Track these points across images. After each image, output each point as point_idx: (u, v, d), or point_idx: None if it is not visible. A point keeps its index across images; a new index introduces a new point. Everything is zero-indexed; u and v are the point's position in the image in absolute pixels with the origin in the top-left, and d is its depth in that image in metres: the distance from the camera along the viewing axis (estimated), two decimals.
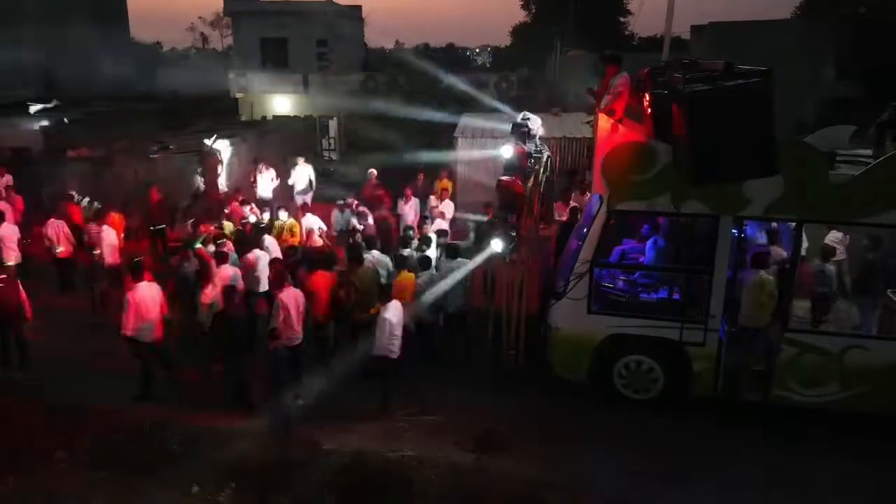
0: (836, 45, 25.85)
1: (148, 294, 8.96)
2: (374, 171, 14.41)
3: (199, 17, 71.13)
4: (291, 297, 8.75)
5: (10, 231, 12.21)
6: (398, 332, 8.53)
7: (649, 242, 9.50)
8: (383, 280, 9.71)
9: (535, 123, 10.05)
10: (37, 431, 8.25)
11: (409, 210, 13.22)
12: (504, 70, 30.32)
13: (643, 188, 8.48)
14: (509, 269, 9.03)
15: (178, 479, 7.42)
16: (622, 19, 51.13)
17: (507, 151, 9.58)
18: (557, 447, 8.17)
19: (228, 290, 9.00)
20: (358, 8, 31.97)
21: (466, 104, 20.75)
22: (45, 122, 23.43)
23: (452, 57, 62.01)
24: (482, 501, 7.15)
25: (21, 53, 33.69)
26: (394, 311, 8.53)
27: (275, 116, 27.97)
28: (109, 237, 11.85)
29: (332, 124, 28.21)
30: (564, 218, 11.34)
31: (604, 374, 9.15)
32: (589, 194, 10.37)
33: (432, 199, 12.94)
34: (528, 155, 9.68)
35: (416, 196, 13.37)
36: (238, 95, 28.55)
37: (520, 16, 62.72)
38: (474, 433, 8.28)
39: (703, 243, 8.65)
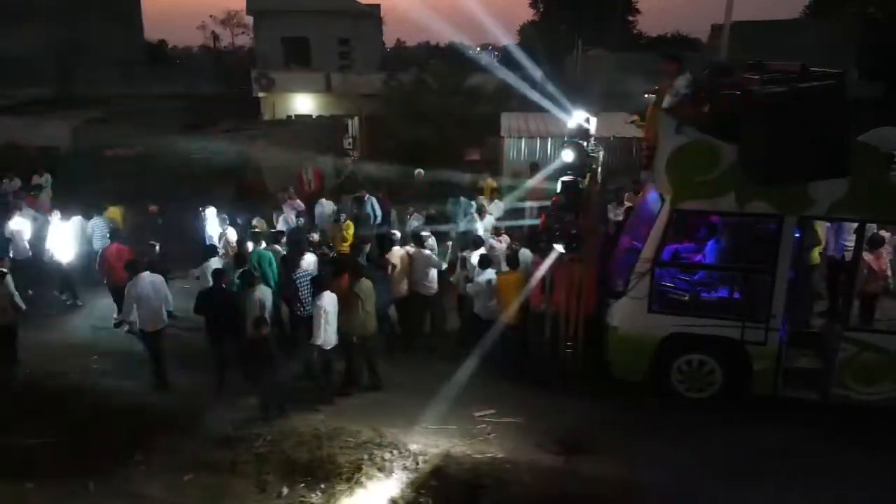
0: (857, 45, 25.91)
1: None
2: (421, 171, 14.45)
3: (211, 16, 71.07)
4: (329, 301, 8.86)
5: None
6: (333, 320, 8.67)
7: (710, 242, 9.55)
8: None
9: (590, 123, 10.11)
10: (112, 434, 8.30)
11: (459, 211, 13.16)
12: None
13: (707, 188, 8.53)
14: (569, 268, 9.08)
15: (266, 480, 7.43)
16: (630, 18, 51.17)
17: (567, 153, 9.64)
18: (642, 448, 8.15)
19: (257, 321, 8.67)
20: (377, 7, 32.06)
21: (497, 103, 20.75)
22: (73, 121, 23.49)
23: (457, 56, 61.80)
24: None
25: (36, 52, 33.91)
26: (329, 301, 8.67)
27: (296, 116, 28.07)
28: None
29: (351, 124, 28.25)
30: (620, 218, 11.40)
31: (661, 373, 9.22)
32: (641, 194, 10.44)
33: (480, 199, 12.97)
34: (588, 154, 9.74)
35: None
36: (260, 95, 28.61)
37: (520, 14, 62.74)
38: (556, 435, 8.27)
39: (765, 243, 8.70)
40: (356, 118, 28.30)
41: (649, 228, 9.51)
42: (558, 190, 9.72)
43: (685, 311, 9.08)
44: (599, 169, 9.91)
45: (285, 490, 7.25)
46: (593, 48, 29.35)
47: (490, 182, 14.30)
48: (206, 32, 68.10)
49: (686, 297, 9.32)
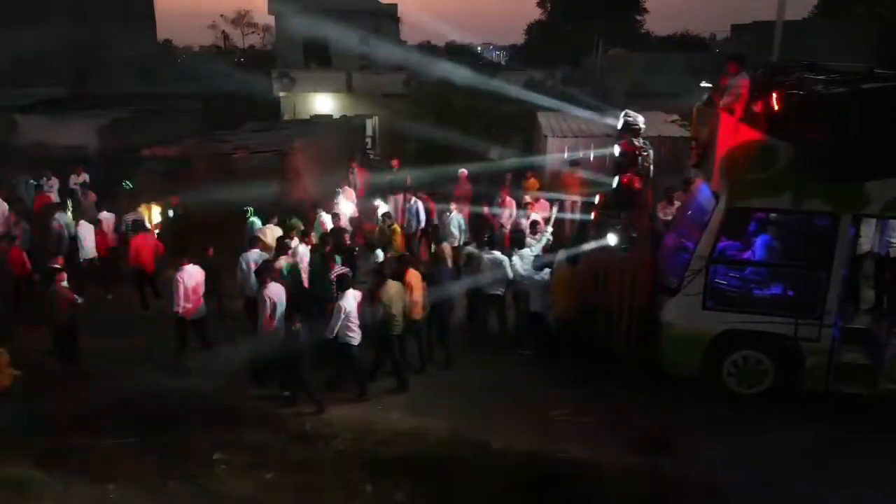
0: (877, 45, 26.01)
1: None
2: (465, 171, 14.57)
3: (221, 16, 71.12)
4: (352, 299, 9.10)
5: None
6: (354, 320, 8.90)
7: (760, 240, 9.68)
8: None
9: (640, 120, 10.26)
10: (189, 433, 8.38)
11: (506, 211, 13.26)
12: (545, 69, 30.26)
13: (763, 186, 8.69)
14: (623, 265, 9.22)
15: (349, 479, 7.49)
16: (638, 17, 51.24)
17: (616, 149, 9.79)
18: (724, 446, 8.16)
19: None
20: (394, 7, 32.22)
21: (520, 102, 20.85)
22: (101, 121, 23.62)
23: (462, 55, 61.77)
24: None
25: (50, 51, 34.06)
26: (351, 300, 8.90)
27: (315, 115, 28.20)
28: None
29: (369, 124, 28.37)
30: (670, 217, 11.52)
31: (713, 369, 9.35)
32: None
33: (527, 199, 13.04)
34: (640, 152, 9.89)
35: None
36: (280, 94, 28.77)
37: (520, 13, 62.57)
38: (632, 433, 8.38)
39: (820, 241, 8.84)
40: (375, 118, 28.46)
41: (699, 226, 9.66)
42: (613, 186, 9.83)
43: (739, 308, 9.19)
44: (651, 167, 10.05)
45: (369, 488, 7.30)
46: (613, 47, 29.47)
47: (533, 181, 14.42)
48: (216, 32, 68.12)
49: (739, 294, 9.44)
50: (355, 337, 9.06)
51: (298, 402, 9.04)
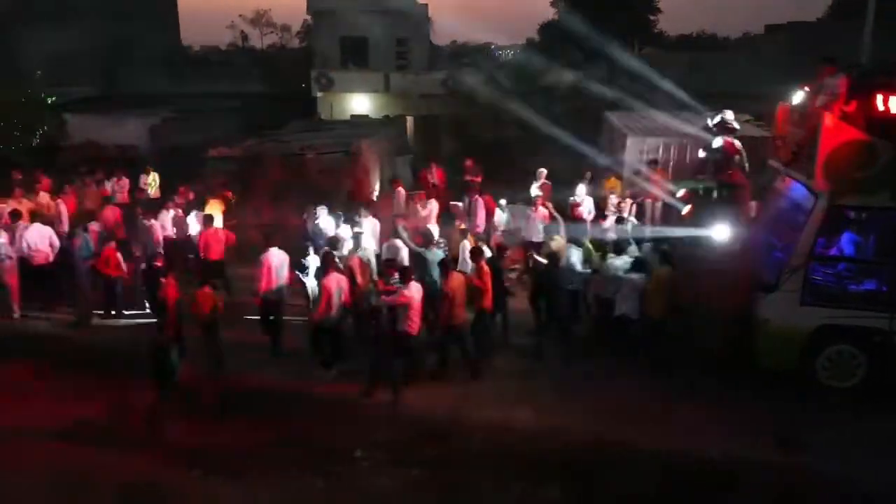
0: None
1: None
2: (544, 170, 14.75)
3: (240, 16, 71.29)
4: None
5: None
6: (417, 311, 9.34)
7: (857, 237, 9.89)
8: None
9: (730, 117, 10.47)
10: (325, 430, 8.57)
11: (585, 210, 13.39)
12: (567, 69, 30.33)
13: (864, 185, 8.93)
14: (723, 262, 9.44)
15: (494, 477, 7.55)
16: (651, 17, 51.10)
17: (714, 146, 10.01)
18: (857, 445, 8.19)
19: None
20: (425, 6, 32.36)
21: (571, 101, 21.01)
22: (152, 120, 23.94)
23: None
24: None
25: (81, 51, 34.41)
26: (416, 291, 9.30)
27: (353, 115, 28.45)
28: None
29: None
30: None
31: (806, 364, 9.58)
32: None
33: (613, 199, 13.18)
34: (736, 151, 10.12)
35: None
36: (318, 94, 29.03)
37: (519, 14, 61.82)
38: (762, 431, 8.44)
39: None
40: (410, 118, 28.70)
41: (791, 223, 9.89)
42: (714, 183, 10.05)
43: (835, 304, 9.41)
44: (747, 165, 10.28)
45: (519, 487, 7.37)
46: (647, 47, 29.59)
47: (614, 181, 14.60)
48: (234, 32, 68.39)
49: (836, 291, 9.66)
50: (414, 328, 9.41)
51: (374, 392, 9.30)
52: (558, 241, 11.00)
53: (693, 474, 7.56)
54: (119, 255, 11.78)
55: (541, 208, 12.67)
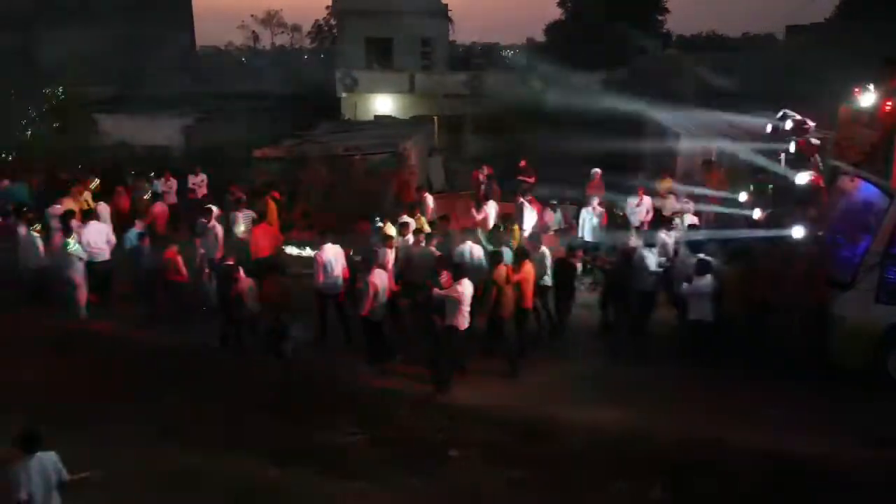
0: None
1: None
2: (598, 171, 14.84)
3: (252, 15, 71.58)
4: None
5: None
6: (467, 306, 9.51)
7: None
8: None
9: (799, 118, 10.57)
10: (414, 428, 8.63)
11: (643, 209, 13.46)
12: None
13: None
14: (802, 261, 9.54)
15: (592, 476, 7.57)
16: (659, 17, 51.15)
17: (791, 148, 10.11)
18: None
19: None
20: (446, 6, 32.51)
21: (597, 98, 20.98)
22: (185, 120, 23.96)
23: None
24: None
25: (99, 51, 34.43)
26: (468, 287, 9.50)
27: (377, 116, 28.48)
28: None
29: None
30: None
31: (880, 361, 9.67)
32: None
33: (672, 200, 13.19)
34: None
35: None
36: (342, 95, 29.05)
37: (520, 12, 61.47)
38: (852, 428, 8.46)
39: None
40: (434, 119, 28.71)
41: (863, 222, 9.99)
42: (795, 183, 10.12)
43: None
44: (821, 164, 10.39)
45: (624, 486, 7.41)
46: (669, 48, 29.69)
47: (667, 182, 14.67)
48: (246, 32, 68.76)
49: None
50: (464, 322, 9.55)
51: (450, 386, 9.49)
52: (632, 242, 11.04)
53: (789, 473, 7.58)
54: (180, 258, 11.82)
55: (598, 209, 12.75)
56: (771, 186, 11.23)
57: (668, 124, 17.19)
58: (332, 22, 55.23)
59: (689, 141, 15.47)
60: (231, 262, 10.88)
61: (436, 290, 9.66)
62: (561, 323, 11.02)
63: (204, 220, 12.69)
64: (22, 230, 12.08)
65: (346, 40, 30.57)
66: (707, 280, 9.93)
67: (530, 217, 13.76)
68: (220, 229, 12.71)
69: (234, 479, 7.57)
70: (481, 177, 16.51)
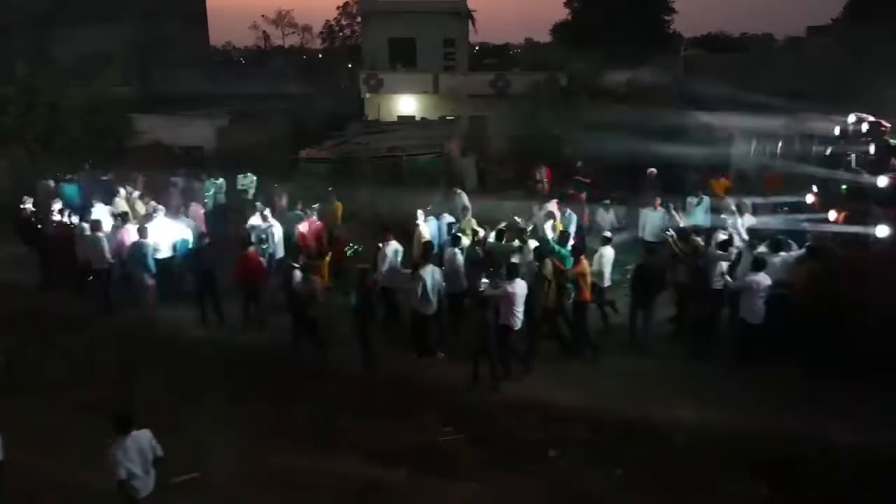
0: None
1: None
2: (654, 170, 14.87)
3: (262, 16, 71.89)
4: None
5: None
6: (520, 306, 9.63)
7: None
8: None
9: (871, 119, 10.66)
10: (507, 426, 8.69)
11: (700, 212, 13.32)
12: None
13: None
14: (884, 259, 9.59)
15: (699, 475, 7.61)
16: (666, 18, 51.06)
17: (871, 150, 10.21)
18: None
19: None
20: (467, 6, 32.45)
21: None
22: (219, 121, 23.95)
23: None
24: None
25: (117, 50, 34.36)
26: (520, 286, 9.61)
27: (400, 117, 28.50)
28: None
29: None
30: None
31: None
32: None
33: (728, 201, 13.14)
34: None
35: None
36: (366, 95, 29.06)
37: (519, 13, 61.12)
38: None
39: None
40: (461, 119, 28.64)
41: None
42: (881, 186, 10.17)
43: None
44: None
45: (731, 486, 7.47)
46: (691, 48, 29.77)
47: (723, 181, 14.69)
48: (257, 32, 69.17)
49: None
50: (516, 322, 9.64)
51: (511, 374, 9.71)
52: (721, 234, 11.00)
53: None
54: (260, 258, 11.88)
55: (660, 207, 12.77)
56: (845, 187, 11.24)
57: (720, 125, 17.21)
58: (344, 22, 55.84)
59: (744, 143, 15.46)
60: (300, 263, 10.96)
61: (488, 290, 9.70)
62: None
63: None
64: (86, 230, 12.07)
65: (371, 40, 30.55)
66: (760, 277, 9.74)
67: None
68: (279, 228, 12.76)
69: (339, 479, 7.65)
70: (538, 175, 16.48)
